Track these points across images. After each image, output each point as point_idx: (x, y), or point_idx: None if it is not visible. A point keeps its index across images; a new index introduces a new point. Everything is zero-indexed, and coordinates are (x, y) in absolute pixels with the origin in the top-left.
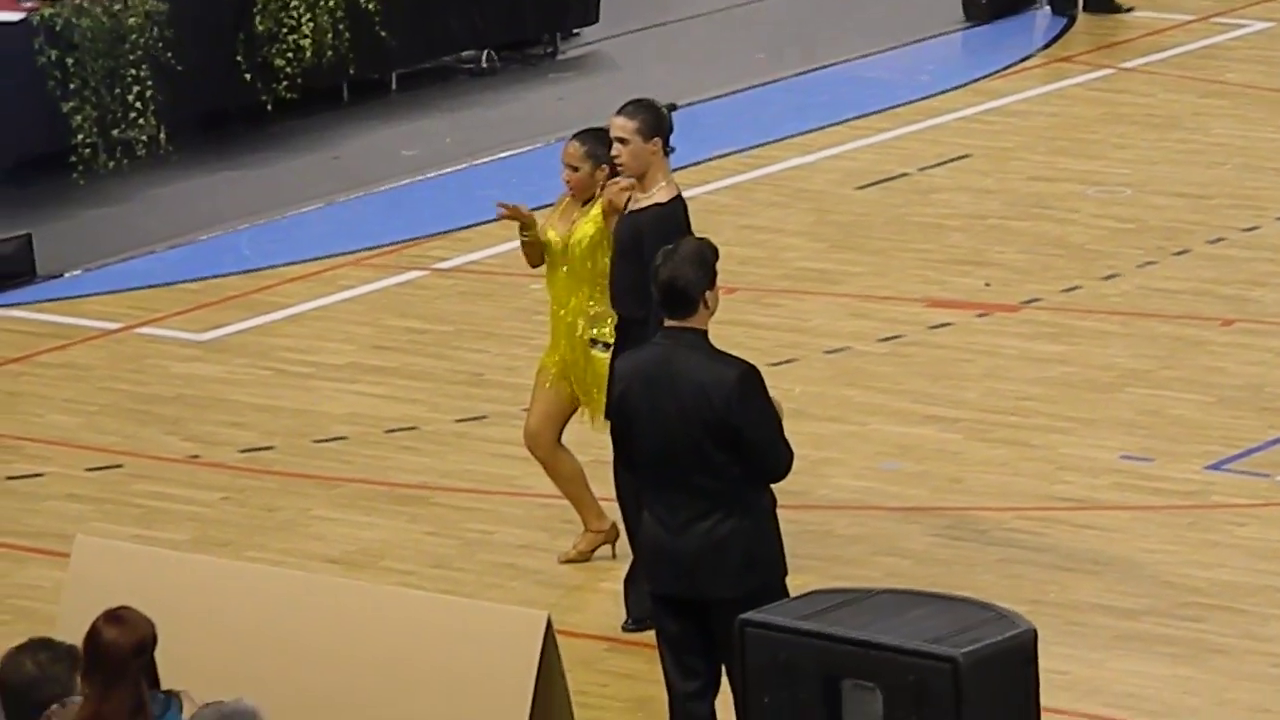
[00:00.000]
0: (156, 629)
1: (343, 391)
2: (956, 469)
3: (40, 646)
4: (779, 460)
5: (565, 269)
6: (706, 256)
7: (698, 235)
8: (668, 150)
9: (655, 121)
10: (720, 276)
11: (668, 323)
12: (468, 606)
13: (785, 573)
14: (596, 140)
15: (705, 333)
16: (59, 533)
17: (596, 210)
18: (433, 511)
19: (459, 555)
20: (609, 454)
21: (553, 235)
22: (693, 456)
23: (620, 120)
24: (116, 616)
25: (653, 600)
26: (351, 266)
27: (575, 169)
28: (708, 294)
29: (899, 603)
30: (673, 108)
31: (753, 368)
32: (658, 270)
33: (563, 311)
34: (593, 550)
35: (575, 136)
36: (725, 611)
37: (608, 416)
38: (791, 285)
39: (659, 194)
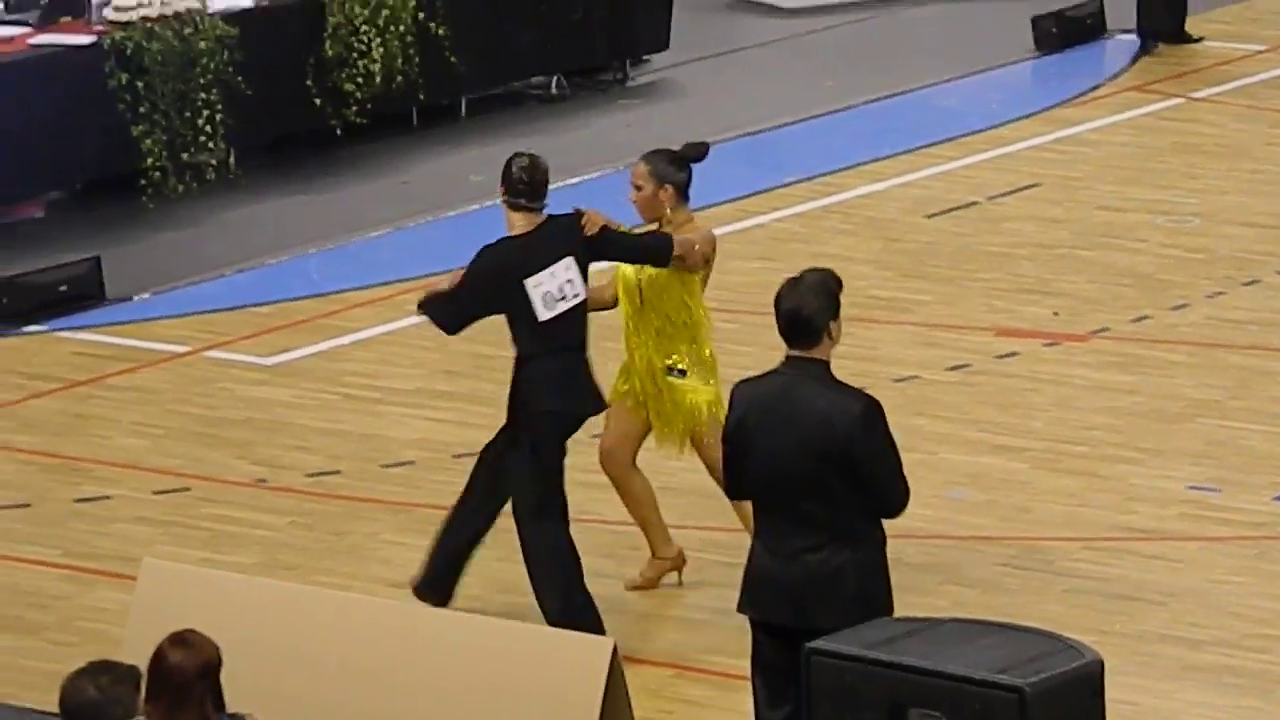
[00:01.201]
0: (221, 652)
1: (410, 416)
2: (1024, 498)
3: (102, 669)
4: (897, 494)
5: (640, 303)
6: (830, 287)
7: (820, 267)
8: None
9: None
10: None
11: (790, 352)
12: (534, 633)
13: (892, 609)
14: (662, 160)
15: (828, 363)
16: (126, 555)
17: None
18: (500, 537)
19: (526, 581)
20: (677, 480)
21: (627, 270)
22: (811, 486)
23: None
24: (181, 639)
25: (753, 626)
26: (420, 291)
27: (639, 188)
28: (831, 324)
29: (966, 632)
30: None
31: (875, 400)
32: (782, 300)
33: (635, 342)
34: (659, 577)
35: (643, 156)
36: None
37: (723, 441)
38: (860, 313)
39: None
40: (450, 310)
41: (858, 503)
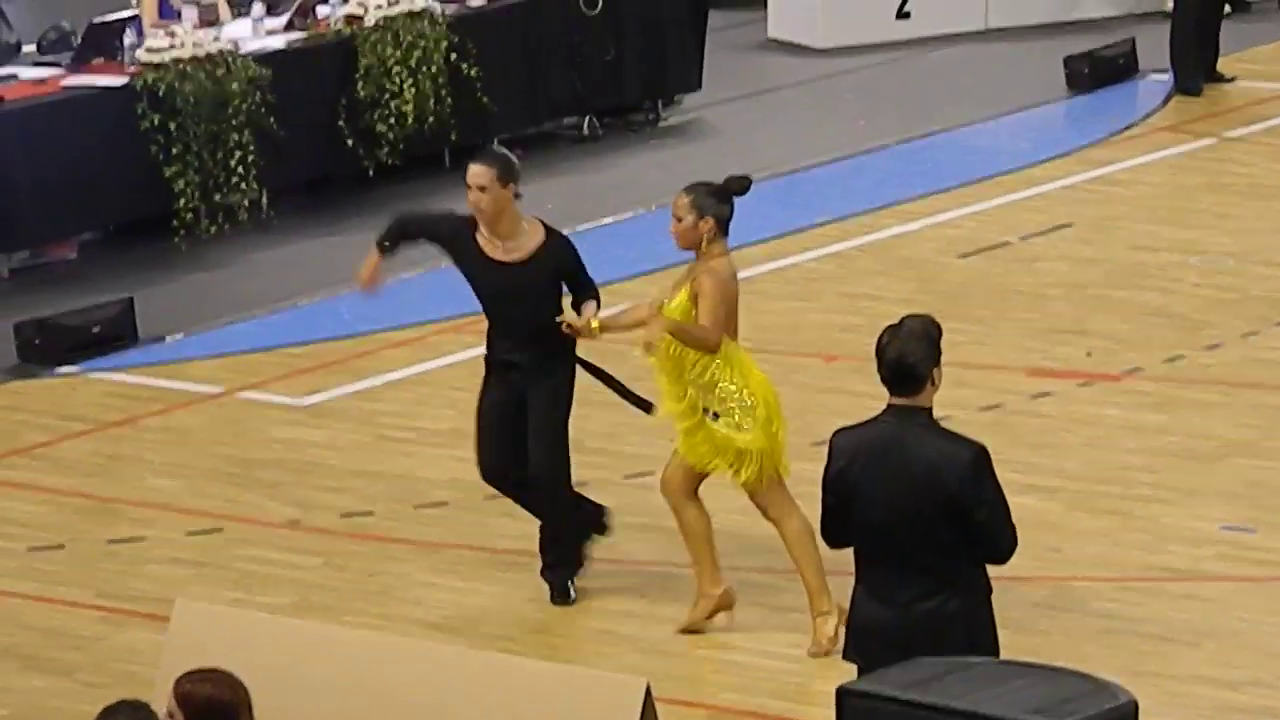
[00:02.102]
0: (249, 691)
1: (444, 457)
2: (1057, 538)
3: (131, 708)
4: (1005, 542)
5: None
6: (932, 333)
7: (919, 313)
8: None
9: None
10: (820, 345)
11: (893, 400)
12: (567, 673)
13: (999, 654)
14: (703, 192)
15: (931, 410)
16: (159, 596)
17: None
18: (532, 578)
19: (558, 621)
20: (714, 522)
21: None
22: (920, 535)
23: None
24: (203, 676)
25: (862, 673)
26: (453, 332)
27: (679, 219)
28: (934, 371)
29: (1000, 673)
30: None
31: (984, 448)
32: (886, 347)
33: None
34: (708, 617)
35: (686, 188)
36: None
37: (823, 489)
38: None
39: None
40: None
41: (966, 551)
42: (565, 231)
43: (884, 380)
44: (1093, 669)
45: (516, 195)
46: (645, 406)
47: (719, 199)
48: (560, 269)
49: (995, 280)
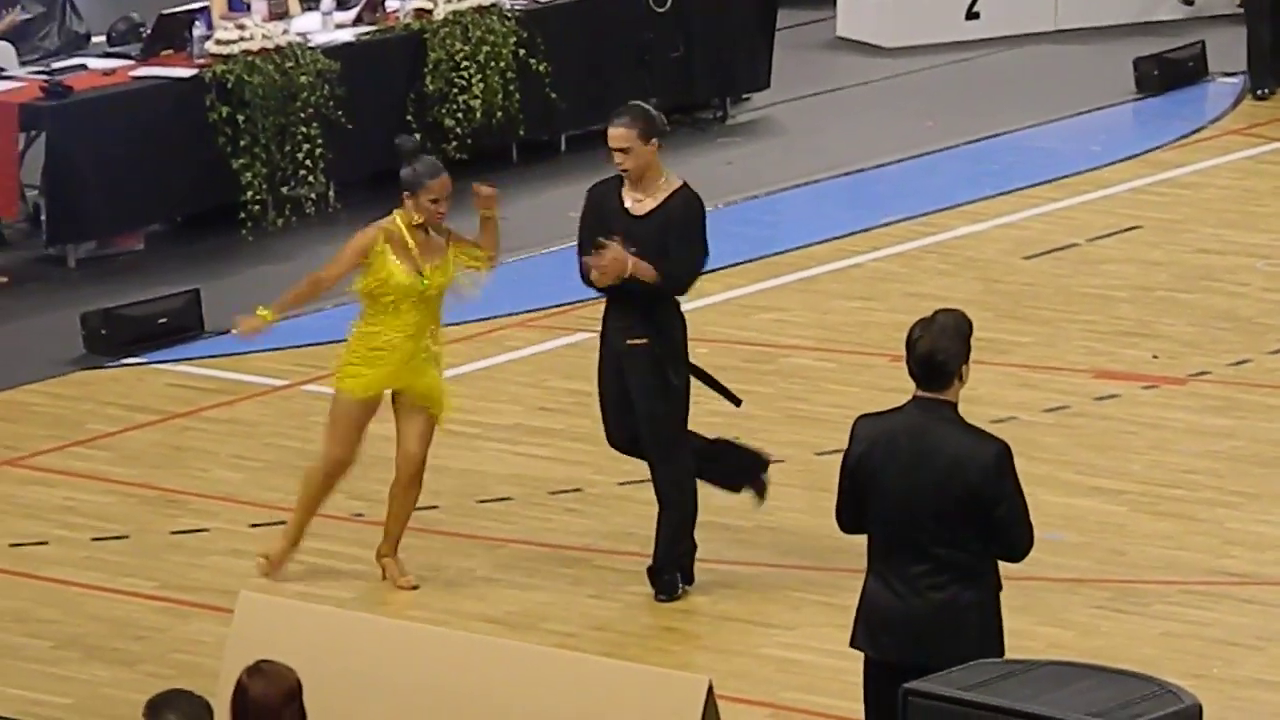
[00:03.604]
0: (300, 679)
1: (507, 452)
2: (1121, 541)
3: (180, 697)
4: (1023, 540)
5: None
6: (964, 329)
7: (951, 308)
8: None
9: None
10: (885, 344)
11: (919, 393)
12: (629, 670)
13: (1004, 650)
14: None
15: (957, 405)
16: (223, 588)
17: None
18: (595, 574)
19: (621, 618)
20: (775, 520)
21: (406, 278)
22: (937, 527)
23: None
24: (259, 670)
25: (871, 666)
26: (518, 327)
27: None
28: (963, 368)
29: (1063, 675)
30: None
31: (1007, 446)
32: (917, 342)
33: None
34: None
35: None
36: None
37: (841, 473)
38: None
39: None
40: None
41: (981, 546)
42: None
43: (913, 374)
44: (1156, 672)
45: (659, 147)
46: (735, 400)
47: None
48: (669, 224)
49: (1062, 282)
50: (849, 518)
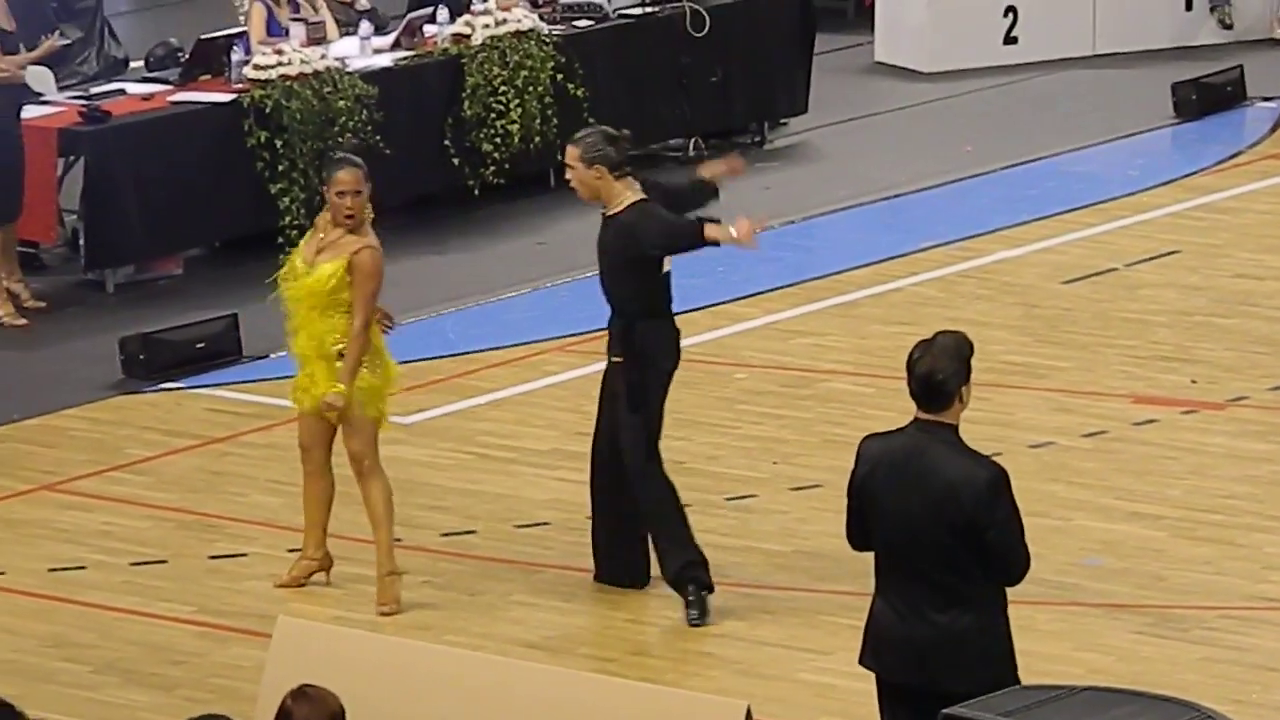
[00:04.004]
0: (343, 704)
1: (545, 477)
2: (1160, 566)
3: None
4: (1017, 565)
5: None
6: (964, 351)
7: (953, 330)
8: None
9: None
10: None
11: (919, 414)
12: (666, 695)
13: (1016, 670)
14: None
15: (956, 428)
16: (261, 613)
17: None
18: (632, 599)
19: (658, 643)
20: (812, 544)
21: (295, 261)
22: (935, 551)
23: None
24: (304, 694)
25: (879, 686)
26: (556, 352)
27: (358, 193)
28: (963, 389)
29: (1102, 700)
30: None
31: (1003, 470)
32: (916, 362)
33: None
34: (308, 576)
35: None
36: (955, 702)
37: (848, 493)
38: (997, 379)
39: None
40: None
41: (979, 569)
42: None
43: (913, 395)
44: (1195, 698)
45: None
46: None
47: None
48: (630, 232)
49: (1100, 307)
50: (856, 536)
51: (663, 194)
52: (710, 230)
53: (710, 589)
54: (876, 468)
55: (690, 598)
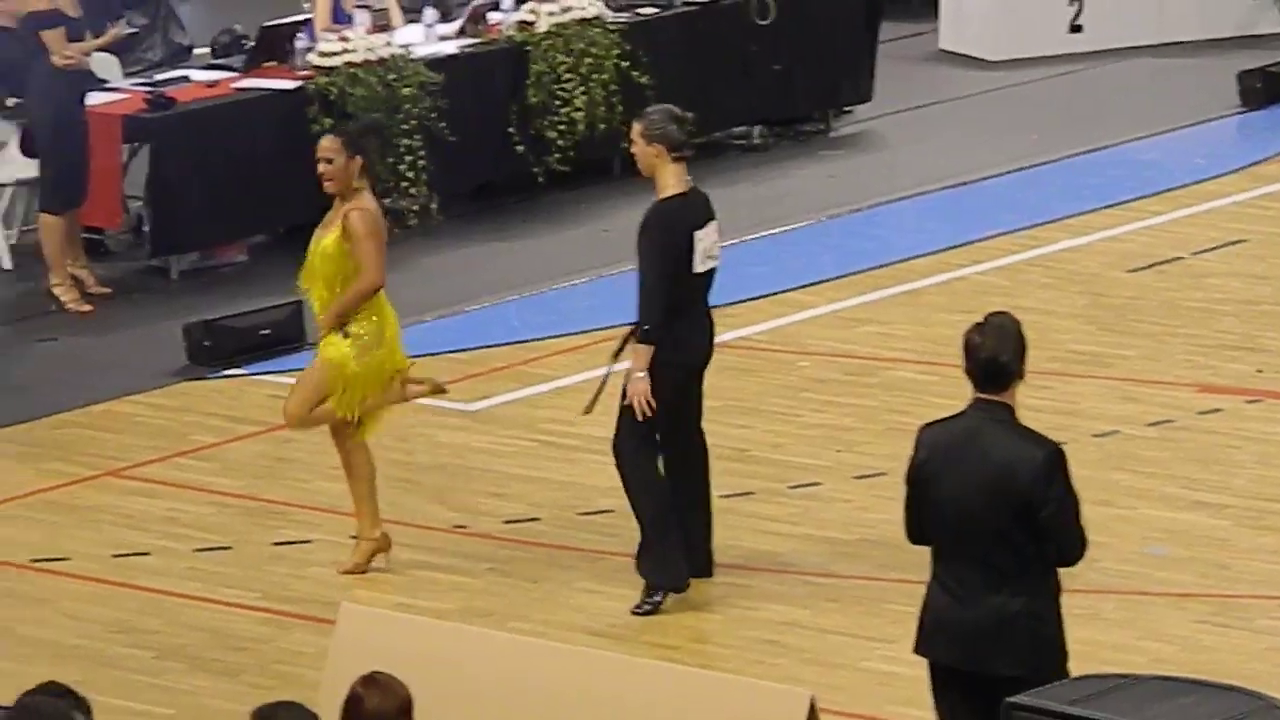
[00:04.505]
0: (411, 692)
1: (608, 465)
2: (1225, 555)
3: (288, 709)
4: (1073, 545)
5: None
6: (1021, 331)
7: (999, 310)
8: None
9: None
10: None
11: (979, 395)
12: (730, 683)
13: (1067, 657)
14: (353, 133)
15: (1013, 408)
16: (324, 599)
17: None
18: (696, 586)
19: (722, 631)
20: (876, 533)
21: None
22: (992, 532)
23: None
24: (374, 681)
25: (931, 670)
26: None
27: (330, 161)
28: (1022, 367)
29: (1167, 689)
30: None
31: (1060, 449)
32: (979, 347)
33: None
34: (369, 559)
35: (334, 131)
36: (1005, 689)
37: (906, 482)
38: (1062, 368)
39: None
40: (654, 305)
41: (1036, 550)
42: (732, 241)
43: (974, 377)
44: (1260, 687)
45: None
46: (589, 408)
47: (365, 138)
48: (640, 231)
49: (1166, 295)
50: (914, 526)
51: None
52: (638, 348)
53: (676, 591)
54: (934, 453)
55: (646, 606)
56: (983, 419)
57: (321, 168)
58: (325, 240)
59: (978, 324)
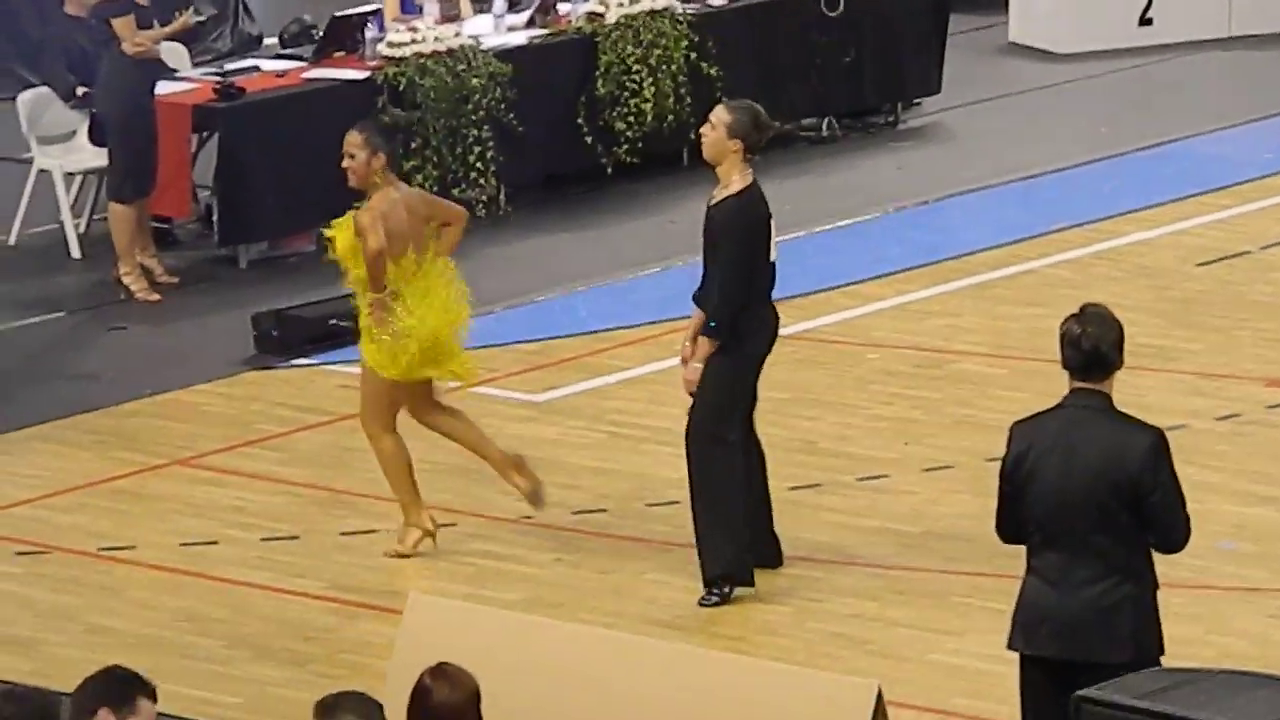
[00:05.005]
0: (480, 684)
1: (677, 456)
2: None
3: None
4: (1179, 529)
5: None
6: (1115, 317)
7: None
8: None
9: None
10: (1057, 352)
11: (1077, 384)
12: (797, 674)
13: (1163, 649)
14: (374, 130)
15: (1111, 396)
16: (391, 589)
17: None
18: (764, 578)
19: (790, 623)
20: (943, 525)
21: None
22: (1095, 518)
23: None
24: (442, 672)
25: (1024, 662)
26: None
27: (352, 156)
28: (1121, 358)
29: (1237, 684)
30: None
31: (1163, 434)
32: (1081, 336)
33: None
34: (416, 544)
35: (357, 127)
36: (1105, 677)
37: (1000, 479)
38: (1130, 361)
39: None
40: (731, 301)
41: (1140, 537)
42: (801, 233)
43: (1075, 367)
44: None
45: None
46: None
47: (388, 135)
48: (709, 230)
49: (1234, 289)
50: (1007, 523)
51: None
52: (702, 339)
53: (746, 584)
54: (1031, 446)
55: (713, 597)
56: (1082, 410)
57: (345, 162)
58: (338, 241)
59: (1075, 315)
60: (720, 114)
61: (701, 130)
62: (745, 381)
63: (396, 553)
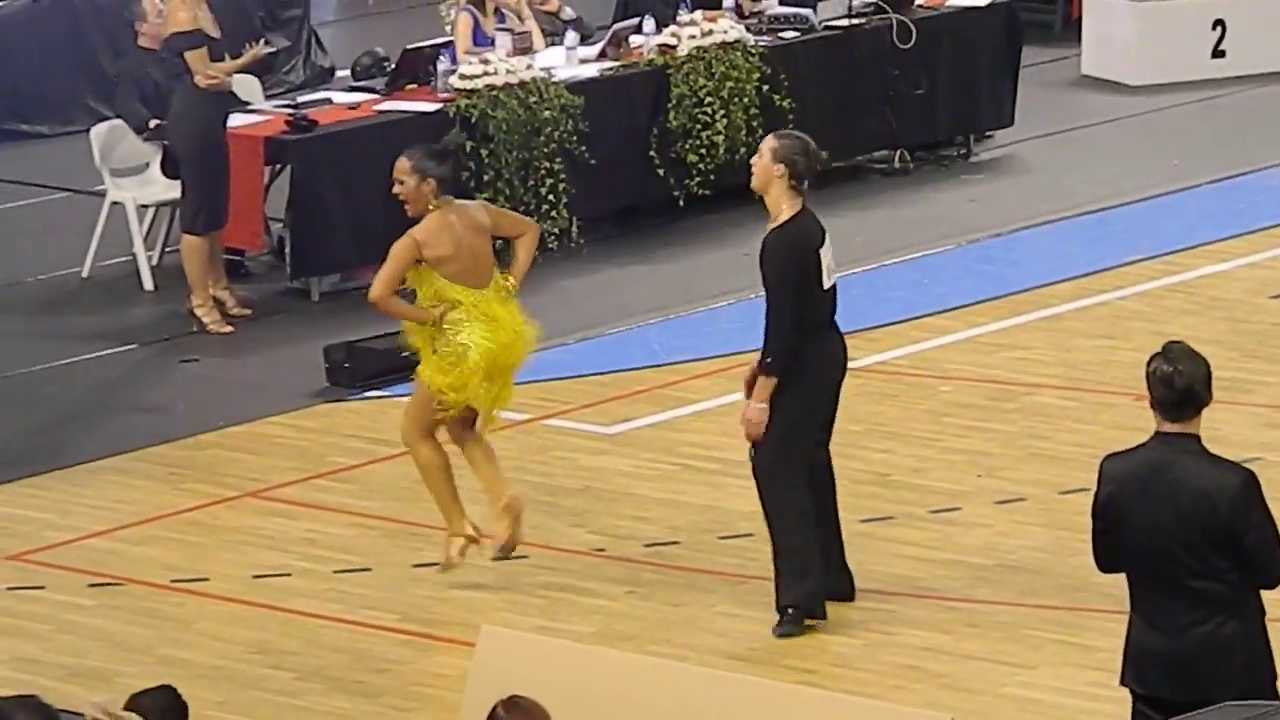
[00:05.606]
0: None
1: (749, 488)
2: None
3: None
4: (1276, 566)
5: None
6: (1205, 358)
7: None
8: None
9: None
10: (1129, 383)
11: (1165, 426)
12: (870, 708)
13: (1276, 676)
14: (421, 155)
15: (1199, 437)
16: (464, 622)
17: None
18: (835, 610)
19: (862, 655)
20: (1015, 558)
21: None
22: (1191, 561)
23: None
24: (515, 704)
25: (1138, 701)
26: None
27: (401, 183)
28: (1210, 396)
29: None
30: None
31: (1252, 474)
32: (1174, 374)
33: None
34: (461, 553)
35: (405, 153)
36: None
37: (1093, 515)
38: None
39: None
40: (782, 333)
41: (1237, 576)
42: (873, 265)
43: (1164, 405)
44: None
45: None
46: None
47: (438, 160)
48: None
49: None
50: (1105, 558)
51: None
52: (761, 380)
53: (817, 616)
54: (1123, 485)
55: (784, 626)
56: (1171, 451)
57: (395, 188)
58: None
59: (1161, 353)
60: (768, 141)
61: (751, 160)
62: (811, 413)
63: (446, 563)
